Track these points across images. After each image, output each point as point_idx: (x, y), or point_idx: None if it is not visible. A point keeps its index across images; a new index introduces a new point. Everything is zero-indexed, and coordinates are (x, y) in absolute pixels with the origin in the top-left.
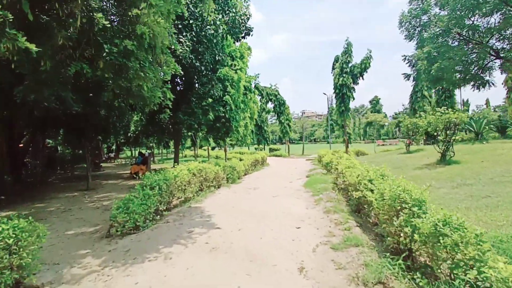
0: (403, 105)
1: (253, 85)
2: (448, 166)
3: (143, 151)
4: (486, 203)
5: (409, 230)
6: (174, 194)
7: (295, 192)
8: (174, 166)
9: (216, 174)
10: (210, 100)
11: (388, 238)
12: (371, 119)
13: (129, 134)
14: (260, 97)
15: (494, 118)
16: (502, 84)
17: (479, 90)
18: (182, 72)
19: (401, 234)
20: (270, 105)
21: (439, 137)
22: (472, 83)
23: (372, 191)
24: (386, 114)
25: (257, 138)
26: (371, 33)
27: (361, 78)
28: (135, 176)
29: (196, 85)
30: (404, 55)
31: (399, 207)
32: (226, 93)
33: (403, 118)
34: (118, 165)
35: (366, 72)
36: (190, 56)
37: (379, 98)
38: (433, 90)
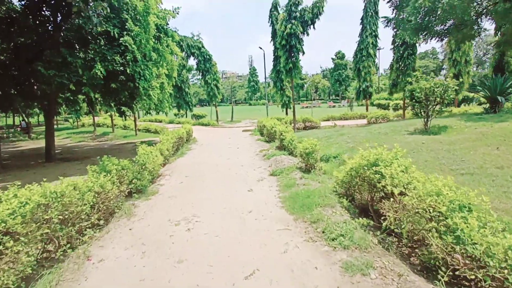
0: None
1: (169, 26)
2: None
3: None
4: None
5: None
6: None
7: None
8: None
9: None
10: (96, 43)
11: None
12: (309, 80)
13: None
14: (178, 49)
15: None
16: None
17: (463, 44)
18: None
19: None
20: (191, 61)
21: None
22: (463, 31)
23: None
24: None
25: (176, 102)
26: None
27: (312, 26)
28: None
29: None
30: None
31: None
32: (125, 32)
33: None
34: None
35: (319, 19)
36: None
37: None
38: (377, 48)
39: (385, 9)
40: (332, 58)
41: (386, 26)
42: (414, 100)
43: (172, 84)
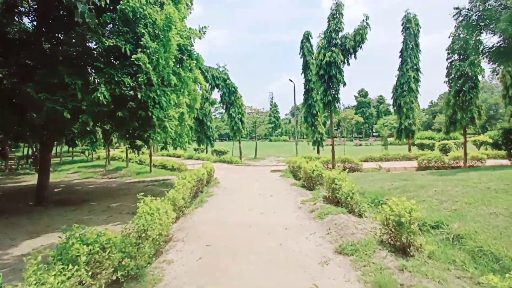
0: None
1: (194, 48)
2: None
3: None
4: None
5: None
6: None
7: None
8: None
9: None
10: (101, 60)
11: None
12: (342, 115)
13: None
14: (203, 78)
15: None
16: (498, 79)
17: None
18: None
19: None
20: (215, 94)
21: None
22: None
23: None
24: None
25: (197, 136)
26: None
27: (353, 55)
28: None
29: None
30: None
31: None
32: (139, 49)
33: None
34: None
35: (361, 47)
36: None
37: (366, 91)
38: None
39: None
40: (355, 96)
41: (454, 18)
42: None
43: (193, 116)
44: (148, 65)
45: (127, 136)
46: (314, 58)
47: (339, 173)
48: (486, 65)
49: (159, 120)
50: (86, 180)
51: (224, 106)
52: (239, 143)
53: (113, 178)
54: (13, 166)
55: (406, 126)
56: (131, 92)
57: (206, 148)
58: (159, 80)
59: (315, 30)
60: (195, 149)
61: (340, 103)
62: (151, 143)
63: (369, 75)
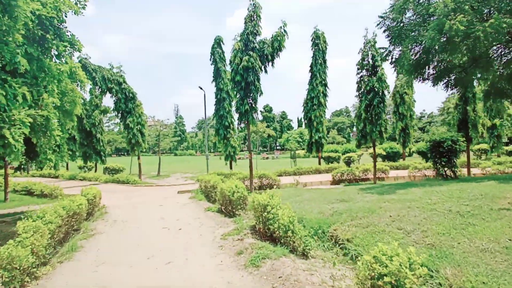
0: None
1: (68, 29)
2: None
3: None
4: None
5: None
6: None
7: None
8: None
9: None
10: None
11: None
12: (252, 129)
13: None
14: (91, 83)
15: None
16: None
17: (451, 90)
18: None
19: None
20: (108, 100)
21: None
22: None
23: None
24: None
25: (83, 151)
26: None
27: (270, 63)
28: None
29: None
30: (383, 16)
31: None
32: None
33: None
34: None
35: (278, 55)
36: None
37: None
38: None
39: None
40: (261, 111)
41: (384, 59)
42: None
43: (72, 125)
44: None
45: None
46: (229, 62)
47: (271, 196)
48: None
49: None
50: None
51: (120, 115)
52: (138, 158)
53: None
54: None
55: (316, 139)
56: None
57: (96, 165)
58: None
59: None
60: (80, 167)
61: (258, 113)
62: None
63: (270, 91)
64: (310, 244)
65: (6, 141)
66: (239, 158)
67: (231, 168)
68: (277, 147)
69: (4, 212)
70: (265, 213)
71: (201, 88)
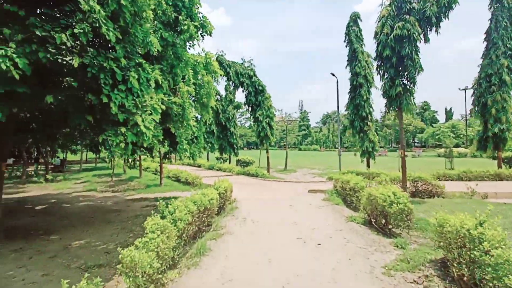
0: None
1: (201, 11)
2: None
3: None
4: None
5: None
6: None
7: None
8: None
9: None
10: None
11: None
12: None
13: None
14: (224, 78)
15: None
16: None
17: None
18: None
19: None
20: (240, 95)
21: None
22: None
23: None
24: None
25: (219, 144)
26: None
27: (434, 28)
28: None
29: None
30: None
31: None
32: None
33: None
34: None
35: (447, 16)
36: None
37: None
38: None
39: None
40: None
41: None
42: None
43: (208, 118)
44: (94, 6)
45: (73, 139)
46: (375, 34)
47: (480, 223)
48: None
49: (124, 112)
50: (85, 193)
51: (250, 108)
52: (267, 152)
53: (116, 192)
54: (31, 173)
55: (495, 132)
56: (69, 59)
57: (230, 157)
58: (123, 38)
59: (338, 40)
60: (217, 158)
61: (414, 97)
62: (114, 149)
63: None
64: None
65: (138, 129)
66: (378, 155)
67: (368, 166)
68: (415, 143)
69: (158, 195)
70: (474, 252)
71: (333, 75)
